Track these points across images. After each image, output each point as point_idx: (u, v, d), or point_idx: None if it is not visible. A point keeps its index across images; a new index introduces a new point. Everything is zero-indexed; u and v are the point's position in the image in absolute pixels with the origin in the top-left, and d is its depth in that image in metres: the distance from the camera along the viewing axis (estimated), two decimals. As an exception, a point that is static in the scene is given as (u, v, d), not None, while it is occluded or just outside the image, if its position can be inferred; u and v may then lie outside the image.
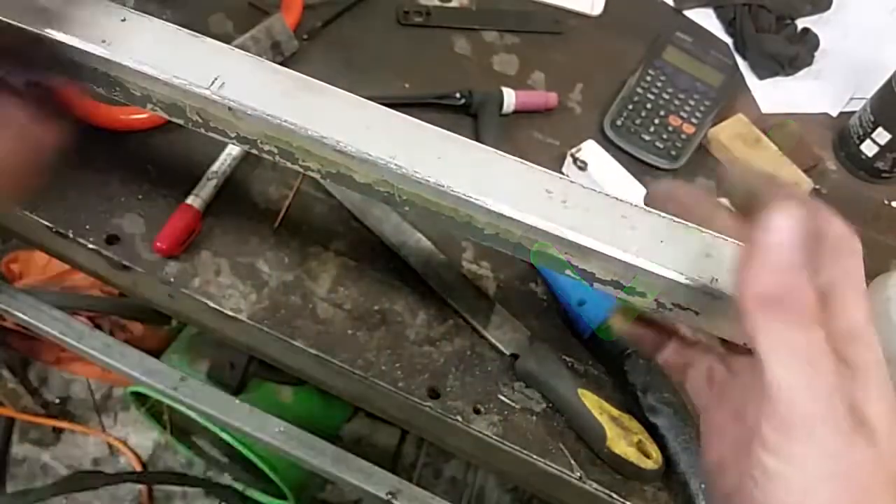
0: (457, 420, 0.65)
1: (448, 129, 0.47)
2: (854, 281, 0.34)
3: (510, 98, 0.82)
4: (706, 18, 0.97)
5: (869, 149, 0.85)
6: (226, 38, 0.52)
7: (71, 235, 0.68)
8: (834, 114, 0.92)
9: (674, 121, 0.84)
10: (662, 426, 0.64)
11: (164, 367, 0.96)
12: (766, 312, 0.31)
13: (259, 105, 0.45)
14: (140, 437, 1.58)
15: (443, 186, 0.44)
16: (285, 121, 0.44)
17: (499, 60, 0.87)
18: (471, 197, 0.44)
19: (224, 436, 1.12)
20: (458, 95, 0.81)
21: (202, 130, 0.48)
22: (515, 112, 0.82)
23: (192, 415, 1.03)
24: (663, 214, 0.43)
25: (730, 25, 0.96)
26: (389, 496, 0.90)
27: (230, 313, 0.66)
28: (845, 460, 0.31)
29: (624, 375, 0.67)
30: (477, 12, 0.91)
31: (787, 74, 0.94)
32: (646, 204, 0.43)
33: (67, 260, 0.69)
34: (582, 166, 0.76)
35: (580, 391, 0.64)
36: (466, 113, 0.81)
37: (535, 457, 0.64)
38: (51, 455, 1.57)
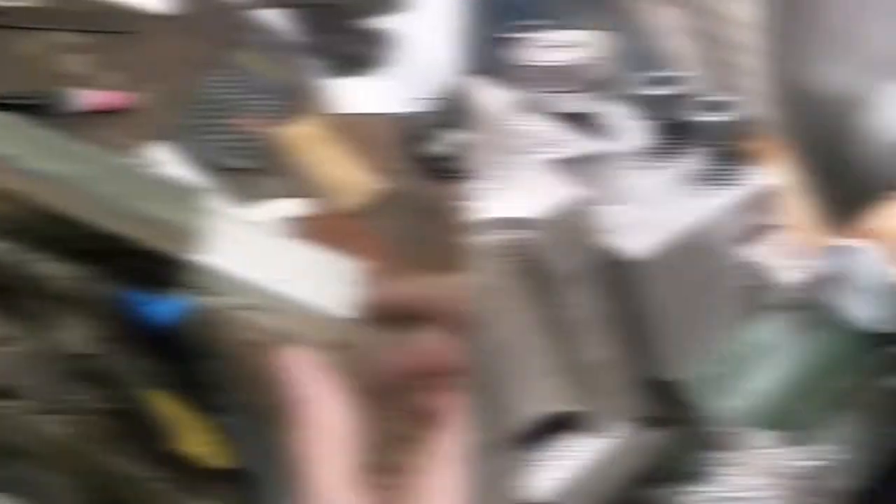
0: (26, 420, 0.65)
1: None
2: None
3: (82, 99, 0.81)
4: (279, 19, 0.98)
5: (436, 149, 0.92)
6: None
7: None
8: (406, 113, 0.96)
9: (248, 122, 0.87)
10: (236, 426, 0.64)
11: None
12: None
13: None
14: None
15: None
16: None
17: (71, 61, 0.85)
18: None
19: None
20: (25, 97, 0.80)
21: None
22: (88, 113, 0.81)
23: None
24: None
25: (303, 25, 0.98)
26: None
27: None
28: None
29: (198, 375, 0.69)
30: (46, 11, 0.86)
31: (361, 74, 0.98)
32: None
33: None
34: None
35: (151, 391, 0.66)
36: (35, 114, 0.79)
37: (103, 457, 0.66)
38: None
